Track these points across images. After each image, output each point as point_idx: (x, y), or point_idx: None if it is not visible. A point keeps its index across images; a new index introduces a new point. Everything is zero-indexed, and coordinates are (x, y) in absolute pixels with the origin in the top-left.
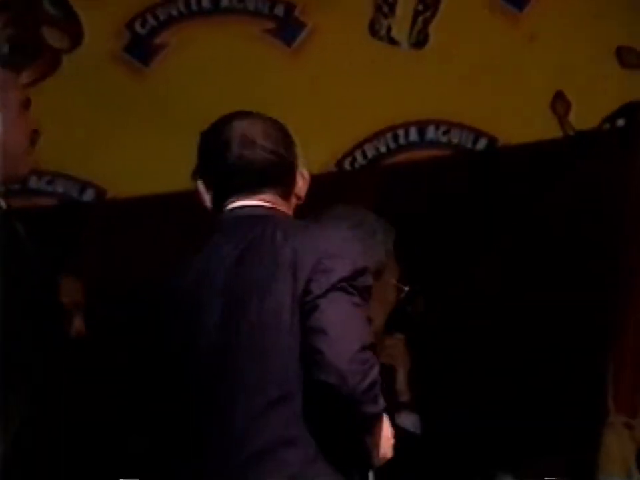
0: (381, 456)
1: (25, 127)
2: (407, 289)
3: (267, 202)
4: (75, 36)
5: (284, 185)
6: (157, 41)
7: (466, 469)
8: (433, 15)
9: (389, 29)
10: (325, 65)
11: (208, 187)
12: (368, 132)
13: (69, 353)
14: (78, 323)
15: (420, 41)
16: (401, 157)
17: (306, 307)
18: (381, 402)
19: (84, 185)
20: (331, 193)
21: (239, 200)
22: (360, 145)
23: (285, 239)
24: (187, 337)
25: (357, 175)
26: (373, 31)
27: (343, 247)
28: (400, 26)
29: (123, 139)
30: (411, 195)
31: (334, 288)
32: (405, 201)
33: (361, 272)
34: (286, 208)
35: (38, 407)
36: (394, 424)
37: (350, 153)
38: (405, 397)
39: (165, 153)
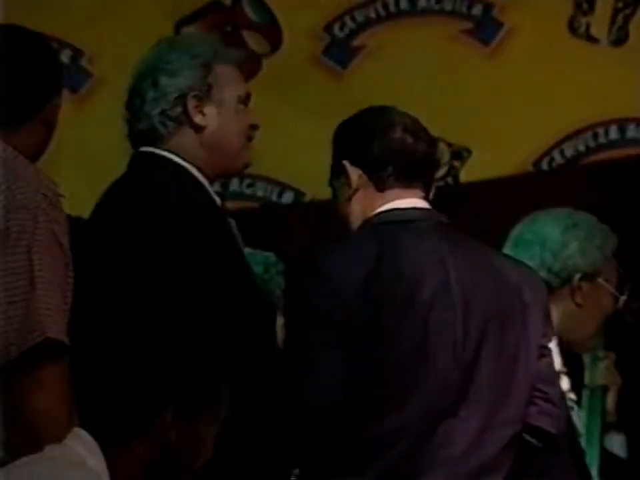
0: None
1: (242, 123)
2: (623, 297)
3: (424, 199)
4: (275, 40)
5: (429, 184)
6: (355, 43)
7: None
8: (633, 12)
9: (588, 27)
10: (524, 64)
11: (361, 167)
12: (567, 131)
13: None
14: None
15: (620, 38)
16: (601, 156)
17: (542, 350)
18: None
19: (283, 188)
20: (528, 194)
21: (397, 190)
22: (558, 144)
23: (498, 260)
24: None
25: (555, 175)
26: (572, 28)
27: None
28: (599, 23)
29: (322, 142)
30: (613, 196)
31: None
32: (606, 201)
33: None
34: None
35: None
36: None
37: (548, 152)
38: (613, 418)
39: None
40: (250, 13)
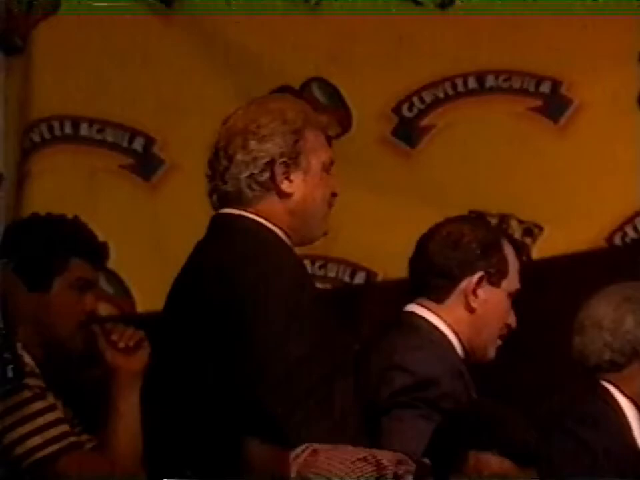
0: None
1: (325, 190)
2: None
3: None
4: (345, 122)
5: None
6: (424, 122)
7: None
8: None
9: None
10: (593, 140)
11: None
12: (638, 205)
13: None
14: None
15: None
16: None
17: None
18: None
19: (355, 269)
20: (602, 269)
21: None
22: (630, 220)
23: None
24: None
25: (628, 249)
26: None
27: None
28: None
29: (393, 221)
30: None
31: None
32: None
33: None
34: None
35: None
36: None
37: (620, 227)
38: None
39: None
40: (319, 95)
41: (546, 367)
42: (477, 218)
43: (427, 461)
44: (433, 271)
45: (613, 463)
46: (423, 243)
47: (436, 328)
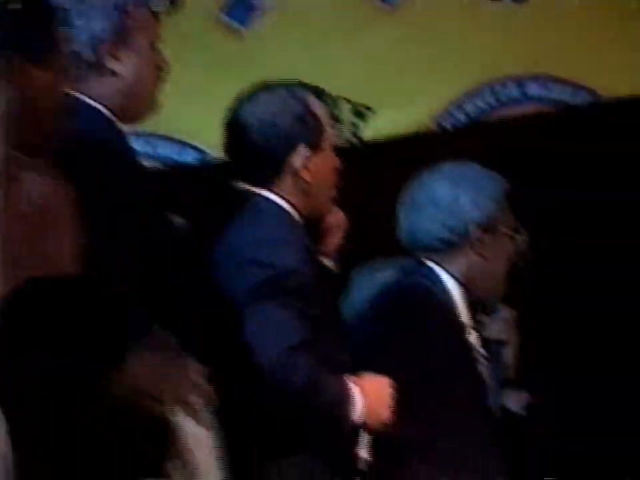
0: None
1: (153, 68)
2: (522, 237)
3: None
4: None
5: None
6: (256, 2)
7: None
8: None
9: None
10: (424, 22)
11: None
12: (467, 88)
13: None
14: None
15: None
16: (501, 113)
17: None
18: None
19: (184, 146)
20: (430, 150)
21: None
22: (459, 102)
23: None
24: None
25: (457, 133)
26: None
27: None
28: None
29: (224, 99)
30: (512, 153)
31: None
32: (506, 158)
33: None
34: None
35: None
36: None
37: (448, 109)
38: (511, 374)
39: None
40: None
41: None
42: (284, 88)
43: None
44: (256, 152)
45: (446, 340)
46: (237, 125)
47: (279, 207)
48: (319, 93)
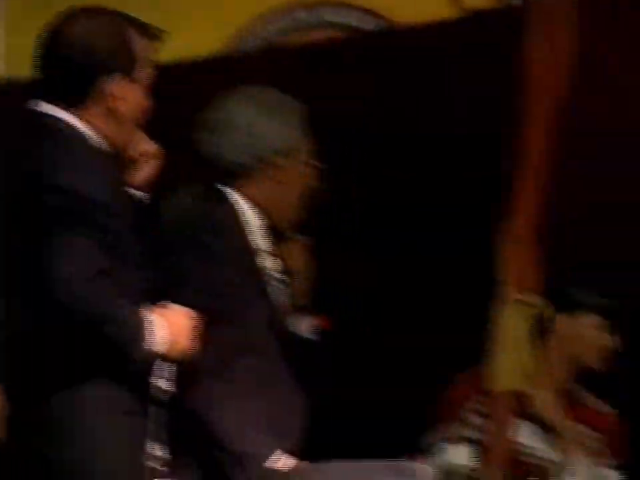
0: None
1: None
2: (320, 166)
3: None
4: None
5: None
6: None
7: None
8: None
9: None
10: None
11: None
12: (259, 11)
13: None
14: None
15: None
16: (295, 37)
17: None
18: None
19: None
20: (224, 76)
21: None
22: (251, 27)
23: None
24: None
25: (252, 57)
26: None
27: None
28: None
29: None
30: (308, 78)
31: None
32: (301, 83)
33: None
34: None
35: None
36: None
37: (243, 34)
38: (301, 301)
39: None
40: None
41: None
42: (107, 15)
43: None
44: (66, 74)
45: (235, 262)
46: (52, 43)
47: (81, 133)
48: (144, 27)
